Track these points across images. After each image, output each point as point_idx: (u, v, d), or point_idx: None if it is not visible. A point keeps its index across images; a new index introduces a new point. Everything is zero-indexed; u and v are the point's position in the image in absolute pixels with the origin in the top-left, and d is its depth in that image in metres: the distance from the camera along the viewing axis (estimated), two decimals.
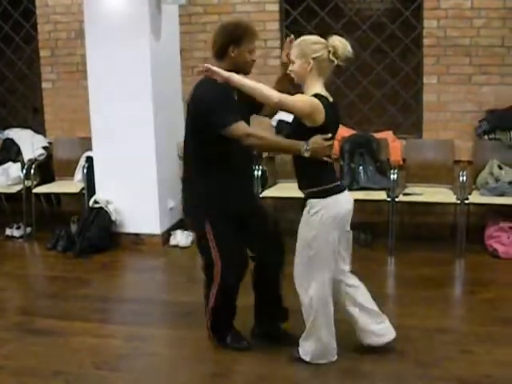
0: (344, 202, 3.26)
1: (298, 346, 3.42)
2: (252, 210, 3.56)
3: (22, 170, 6.04)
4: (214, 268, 3.43)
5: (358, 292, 3.42)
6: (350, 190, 5.36)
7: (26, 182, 5.97)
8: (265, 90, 3.07)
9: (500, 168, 5.28)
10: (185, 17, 6.01)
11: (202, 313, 4.11)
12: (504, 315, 3.97)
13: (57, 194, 6.46)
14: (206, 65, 3.10)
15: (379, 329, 3.44)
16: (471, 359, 3.42)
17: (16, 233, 5.99)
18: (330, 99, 3.19)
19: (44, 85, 6.57)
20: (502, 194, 5.12)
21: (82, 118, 6.03)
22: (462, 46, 5.54)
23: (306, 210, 3.26)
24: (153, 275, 5.05)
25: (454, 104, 5.65)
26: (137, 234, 5.63)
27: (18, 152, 6.31)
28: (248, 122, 3.33)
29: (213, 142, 3.27)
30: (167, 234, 5.68)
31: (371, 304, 3.44)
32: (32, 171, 5.99)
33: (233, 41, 3.31)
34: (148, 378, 3.37)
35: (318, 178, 3.23)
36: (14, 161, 6.27)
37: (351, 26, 5.86)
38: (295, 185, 3.37)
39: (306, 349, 3.38)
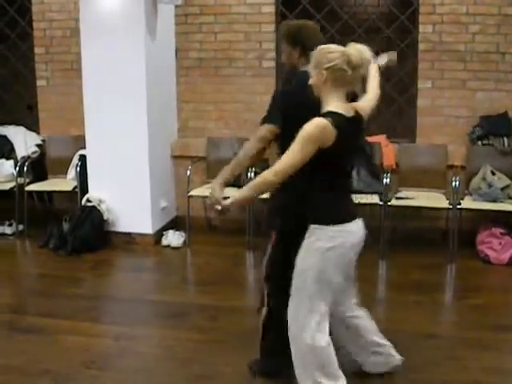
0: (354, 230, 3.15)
1: None
2: None
3: (14, 168, 6.02)
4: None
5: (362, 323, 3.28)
6: None
7: (18, 180, 5.94)
8: (263, 181, 2.78)
9: (493, 174, 5.28)
10: (181, 17, 6.00)
11: (191, 313, 4.13)
12: (493, 321, 3.98)
13: (49, 192, 6.43)
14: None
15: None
16: (460, 365, 3.42)
17: (8, 230, 5.97)
18: (349, 114, 2.84)
19: (38, 82, 6.54)
20: (494, 200, 5.13)
21: (75, 117, 6.01)
22: (457, 51, 5.55)
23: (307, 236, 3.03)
24: (144, 275, 5.04)
25: (448, 109, 5.66)
26: (129, 234, 5.63)
27: (12, 149, 6.29)
28: None
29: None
30: (159, 234, 5.68)
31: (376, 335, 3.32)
32: (25, 168, 5.97)
33: None
34: (136, 378, 3.36)
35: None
36: (7, 158, 6.25)
37: (347, 30, 5.86)
38: None
39: None
